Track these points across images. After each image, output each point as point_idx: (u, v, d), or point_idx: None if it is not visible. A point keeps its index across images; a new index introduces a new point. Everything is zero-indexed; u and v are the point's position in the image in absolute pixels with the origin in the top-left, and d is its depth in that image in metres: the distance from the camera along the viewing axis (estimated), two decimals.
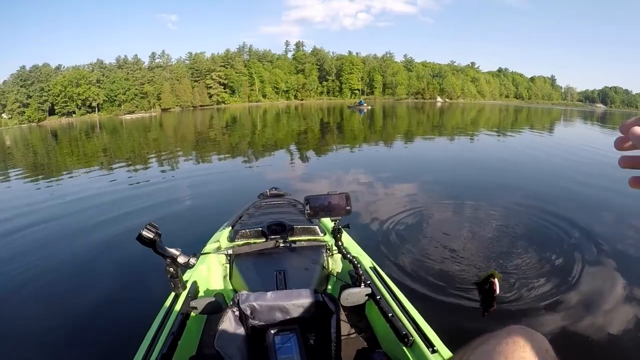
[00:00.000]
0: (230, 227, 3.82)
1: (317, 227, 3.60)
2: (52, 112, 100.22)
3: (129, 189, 12.40)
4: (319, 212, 2.66)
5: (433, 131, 29.13)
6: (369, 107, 64.12)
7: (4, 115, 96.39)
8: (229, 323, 2.01)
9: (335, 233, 2.74)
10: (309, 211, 2.64)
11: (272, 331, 2.02)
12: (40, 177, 15.99)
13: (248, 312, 2.08)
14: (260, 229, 3.50)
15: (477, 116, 52.42)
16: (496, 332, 1.21)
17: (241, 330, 2.05)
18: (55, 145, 34.23)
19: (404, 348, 2.19)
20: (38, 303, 5.24)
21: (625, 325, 4.17)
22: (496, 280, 4.60)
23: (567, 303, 4.54)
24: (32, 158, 25.37)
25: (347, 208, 2.64)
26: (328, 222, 3.60)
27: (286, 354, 1.89)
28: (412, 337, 2.18)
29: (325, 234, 3.59)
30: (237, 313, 2.08)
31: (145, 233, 2.30)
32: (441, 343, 2.13)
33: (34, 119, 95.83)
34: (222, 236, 3.64)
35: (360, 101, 72.32)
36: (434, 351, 2.06)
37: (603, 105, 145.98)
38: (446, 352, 2.06)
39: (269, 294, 2.14)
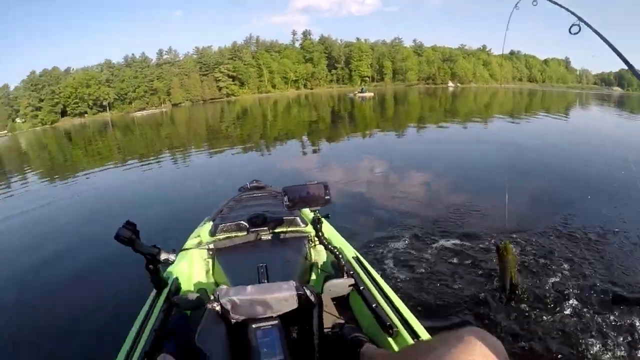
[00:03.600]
0: (211, 222, 3.73)
1: (298, 218, 3.54)
2: (64, 113, 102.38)
3: (129, 186, 12.70)
4: (297, 202, 2.66)
5: (445, 118, 28.51)
6: (371, 95, 64.17)
7: (17, 120, 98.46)
8: (209, 319, 1.99)
9: (315, 223, 2.73)
10: (287, 202, 2.65)
11: (253, 325, 1.99)
12: (52, 178, 16.04)
13: (228, 307, 2.05)
14: (241, 222, 3.44)
15: (491, 101, 51.49)
16: (451, 334, 1.22)
17: (222, 326, 2.04)
18: (69, 145, 34.36)
19: (389, 338, 2.17)
20: (19, 302, 5.36)
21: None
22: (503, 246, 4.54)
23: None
24: (46, 159, 25.47)
25: (326, 198, 2.66)
26: (309, 213, 3.62)
27: (268, 348, 1.87)
28: (396, 327, 2.18)
29: (307, 225, 3.53)
30: (217, 308, 2.05)
31: (122, 232, 2.22)
32: (426, 333, 2.12)
33: (47, 121, 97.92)
34: (203, 231, 3.60)
35: (362, 88, 72.33)
36: None
37: (620, 88, 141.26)
38: None
39: (249, 287, 2.10)
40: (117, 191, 11.81)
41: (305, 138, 21.73)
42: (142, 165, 16.66)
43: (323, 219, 2.76)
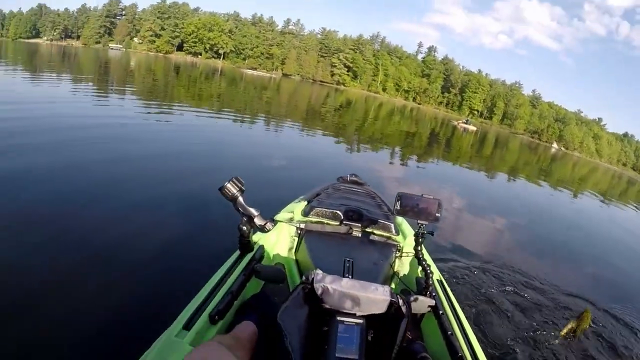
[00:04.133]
0: (306, 202, 3.74)
1: (392, 225, 3.46)
2: (180, 48, 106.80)
3: (223, 137, 13.21)
4: (408, 211, 2.59)
5: (538, 175, 27.95)
6: (474, 129, 64.25)
7: (135, 40, 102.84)
8: (296, 299, 1.93)
9: (418, 237, 2.65)
10: (398, 207, 2.59)
11: (338, 318, 1.91)
12: (149, 103, 16.58)
13: (319, 293, 1.96)
14: (336, 211, 3.44)
15: (588, 175, 49.84)
16: None
17: (305, 309, 1.98)
18: (175, 78, 35.29)
19: None
20: (98, 232, 5.14)
21: None
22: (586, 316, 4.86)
23: None
24: (149, 83, 26.19)
25: (436, 215, 2.58)
26: (402, 223, 3.79)
27: (346, 345, 1.80)
28: (466, 359, 2.12)
29: (398, 234, 3.47)
30: (306, 290, 1.98)
31: (229, 186, 2.31)
32: None
33: (162, 50, 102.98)
34: (297, 208, 3.62)
35: (467, 119, 72.70)
36: None
37: None
38: None
39: (345, 280, 2.01)
40: (205, 140, 12.31)
41: (397, 148, 21.61)
42: (234, 120, 17.48)
43: (426, 234, 2.68)
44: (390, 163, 16.12)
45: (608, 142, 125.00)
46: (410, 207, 2.56)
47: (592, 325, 5.12)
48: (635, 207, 27.33)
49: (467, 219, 9.99)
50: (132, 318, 3.59)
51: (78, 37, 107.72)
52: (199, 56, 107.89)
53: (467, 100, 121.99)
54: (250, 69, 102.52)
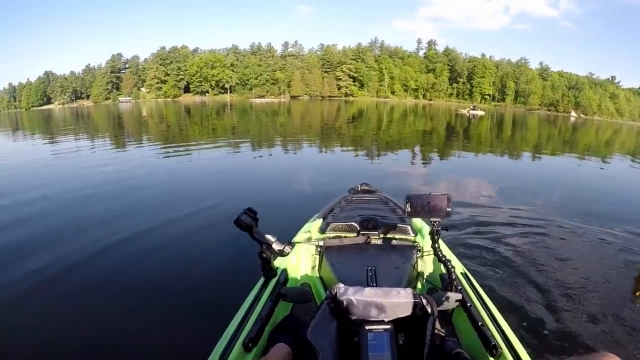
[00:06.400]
0: (322, 219, 3.85)
1: (409, 226, 3.54)
2: (187, 90, 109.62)
3: (241, 168, 13.55)
4: (419, 211, 2.71)
5: (563, 148, 27.18)
6: (482, 113, 63.80)
7: (142, 89, 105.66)
8: (324, 315, 2.00)
9: (433, 234, 2.75)
10: (409, 209, 2.71)
11: (366, 327, 1.95)
12: (167, 146, 16.90)
13: (344, 306, 2.04)
14: (352, 223, 3.51)
15: (613, 137, 47.76)
16: (590, 356, 1.33)
17: (334, 323, 2.04)
18: (187, 119, 35.82)
19: (491, 358, 2.16)
20: (125, 268, 5.46)
21: None
22: None
23: None
24: (164, 128, 26.62)
25: (447, 210, 2.67)
26: (419, 223, 3.79)
27: (377, 352, 1.85)
28: (501, 348, 2.15)
29: (416, 235, 3.53)
30: (332, 305, 2.06)
31: (243, 218, 2.41)
32: (527, 356, 2.09)
33: (170, 94, 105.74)
34: (313, 227, 3.72)
35: (473, 106, 71.98)
36: None
37: None
38: None
39: (367, 289, 2.07)
40: (225, 172, 12.72)
41: (416, 148, 21.41)
42: (253, 149, 17.87)
43: (440, 231, 2.77)
44: (412, 164, 15.82)
45: (626, 99, 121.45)
46: (421, 207, 2.68)
47: None
48: None
49: (499, 205, 9.39)
50: (171, 356, 3.73)
51: (88, 97, 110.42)
52: (207, 94, 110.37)
53: (476, 87, 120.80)
54: (258, 97, 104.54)
